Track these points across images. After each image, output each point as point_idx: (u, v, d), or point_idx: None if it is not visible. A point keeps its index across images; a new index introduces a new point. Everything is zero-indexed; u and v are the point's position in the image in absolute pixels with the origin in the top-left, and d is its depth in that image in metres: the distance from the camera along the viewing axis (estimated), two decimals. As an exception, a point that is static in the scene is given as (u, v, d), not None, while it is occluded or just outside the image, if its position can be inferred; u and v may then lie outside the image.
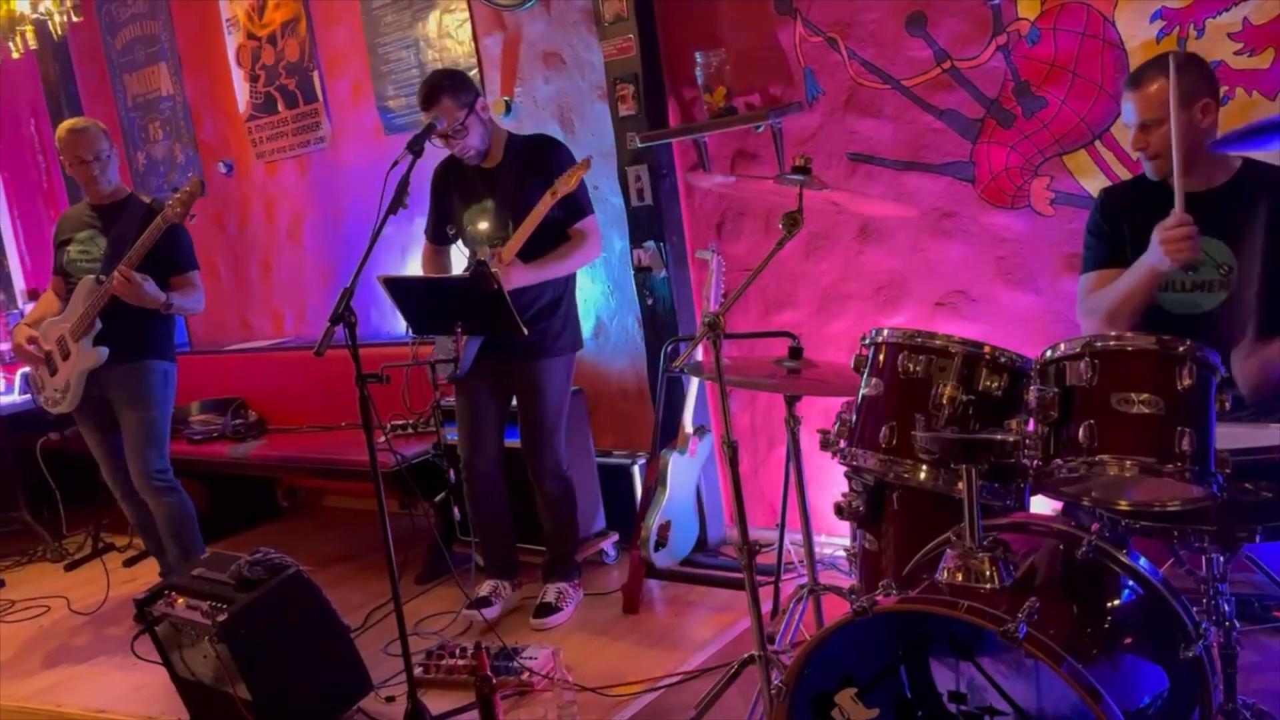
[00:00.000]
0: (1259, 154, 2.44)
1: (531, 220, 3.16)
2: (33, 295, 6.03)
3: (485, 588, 3.53)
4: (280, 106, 4.98)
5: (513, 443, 3.51)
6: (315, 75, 4.81)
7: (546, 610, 3.45)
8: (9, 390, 5.20)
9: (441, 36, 4.31)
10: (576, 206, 3.28)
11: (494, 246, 3.24)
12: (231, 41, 5.10)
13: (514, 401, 3.46)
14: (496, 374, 3.38)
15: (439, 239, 3.53)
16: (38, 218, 6.26)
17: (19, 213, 6.35)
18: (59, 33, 4.39)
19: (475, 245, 3.37)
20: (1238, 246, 2.36)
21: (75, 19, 4.30)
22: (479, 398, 3.42)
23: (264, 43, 4.96)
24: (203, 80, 5.31)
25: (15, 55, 4.42)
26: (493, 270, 3.01)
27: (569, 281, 3.43)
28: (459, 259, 3.62)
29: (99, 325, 3.60)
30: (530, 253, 3.20)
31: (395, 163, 2.86)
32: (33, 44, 4.47)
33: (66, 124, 3.76)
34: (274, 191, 5.18)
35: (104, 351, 3.61)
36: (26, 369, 4.17)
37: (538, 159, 3.30)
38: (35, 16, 4.31)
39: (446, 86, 3.22)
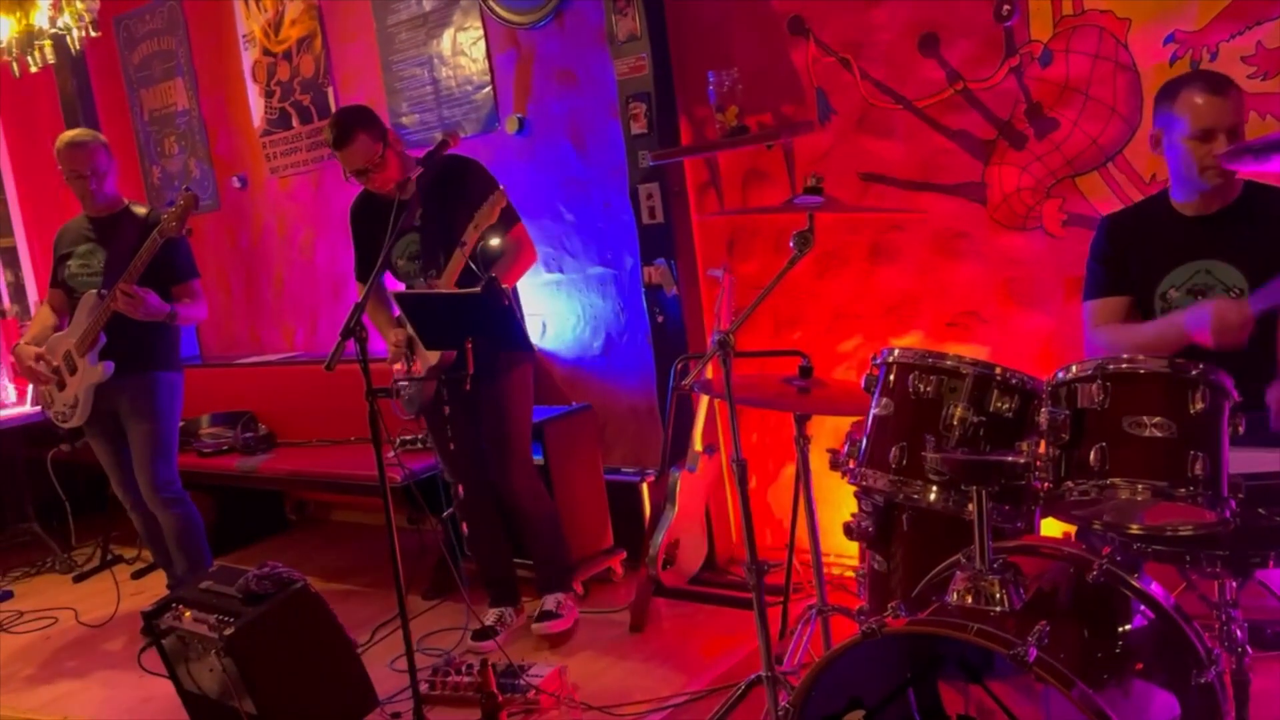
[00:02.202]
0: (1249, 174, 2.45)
1: (461, 255, 3.10)
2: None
3: (490, 616, 3.49)
4: (295, 122, 5.01)
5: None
6: (330, 91, 4.84)
7: (548, 616, 3.42)
8: (20, 402, 5.22)
9: (455, 54, 4.34)
10: (500, 224, 3.20)
11: (430, 279, 3.21)
12: (247, 57, 5.14)
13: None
14: (459, 400, 3.31)
15: (367, 277, 3.48)
16: (54, 231, 6.27)
17: (35, 226, 6.38)
18: (77, 48, 4.41)
19: (410, 279, 3.35)
20: (1247, 269, 2.36)
21: (93, 34, 4.32)
22: (450, 426, 3.38)
23: (279, 59, 5.00)
24: (218, 95, 5.34)
25: (34, 69, 4.44)
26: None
27: (512, 294, 3.38)
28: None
29: (104, 339, 3.60)
30: (469, 271, 3.15)
31: (406, 179, 2.88)
32: (51, 59, 4.49)
33: (65, 136, 3.70)
34: (287, 206, 5.21)
35: (109, 367, 3.61)
36: (37, 382, 4.18)
37: (455, 182, 3.25)
38: (54, 31, 4.33)
39: (359, 122, 3.17)
